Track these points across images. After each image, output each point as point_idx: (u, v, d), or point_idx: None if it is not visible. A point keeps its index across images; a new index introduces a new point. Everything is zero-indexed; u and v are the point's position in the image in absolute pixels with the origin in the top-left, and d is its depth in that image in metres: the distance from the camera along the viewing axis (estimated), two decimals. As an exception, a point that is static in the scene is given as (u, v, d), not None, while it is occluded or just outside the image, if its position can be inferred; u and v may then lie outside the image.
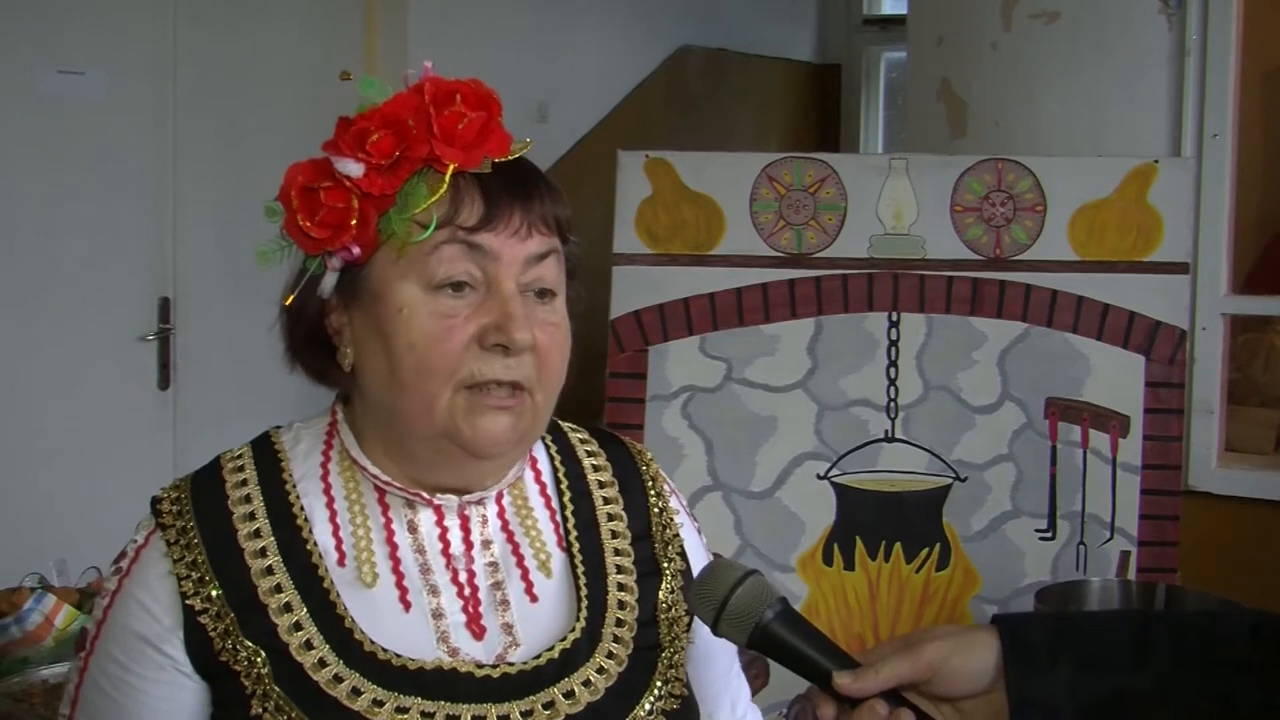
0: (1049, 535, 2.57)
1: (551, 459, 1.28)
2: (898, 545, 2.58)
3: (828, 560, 2.58)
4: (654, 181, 2.64)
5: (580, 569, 1.21)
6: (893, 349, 2.60)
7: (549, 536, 1.22)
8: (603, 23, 4.99)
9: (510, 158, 1.15)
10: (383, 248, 1.13)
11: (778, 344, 2.61)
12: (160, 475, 3.90)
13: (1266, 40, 3.51)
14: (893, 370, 2.60)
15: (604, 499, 1.26)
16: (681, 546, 1.27)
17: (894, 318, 2.60)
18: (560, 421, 1.32)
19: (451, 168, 1.11)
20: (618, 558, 1.23)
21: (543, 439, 1.28)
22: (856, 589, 2.57)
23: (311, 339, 1.18)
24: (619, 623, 1.19)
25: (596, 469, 1.29)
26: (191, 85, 3.57)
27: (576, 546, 1.22)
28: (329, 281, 1.15)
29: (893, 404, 2.60)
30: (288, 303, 1.17)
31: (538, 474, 1.26)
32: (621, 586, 1.21)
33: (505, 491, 1.22)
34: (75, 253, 3.39)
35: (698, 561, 1.29)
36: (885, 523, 2.58)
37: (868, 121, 6.37)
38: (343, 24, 3.97)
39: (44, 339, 3.35)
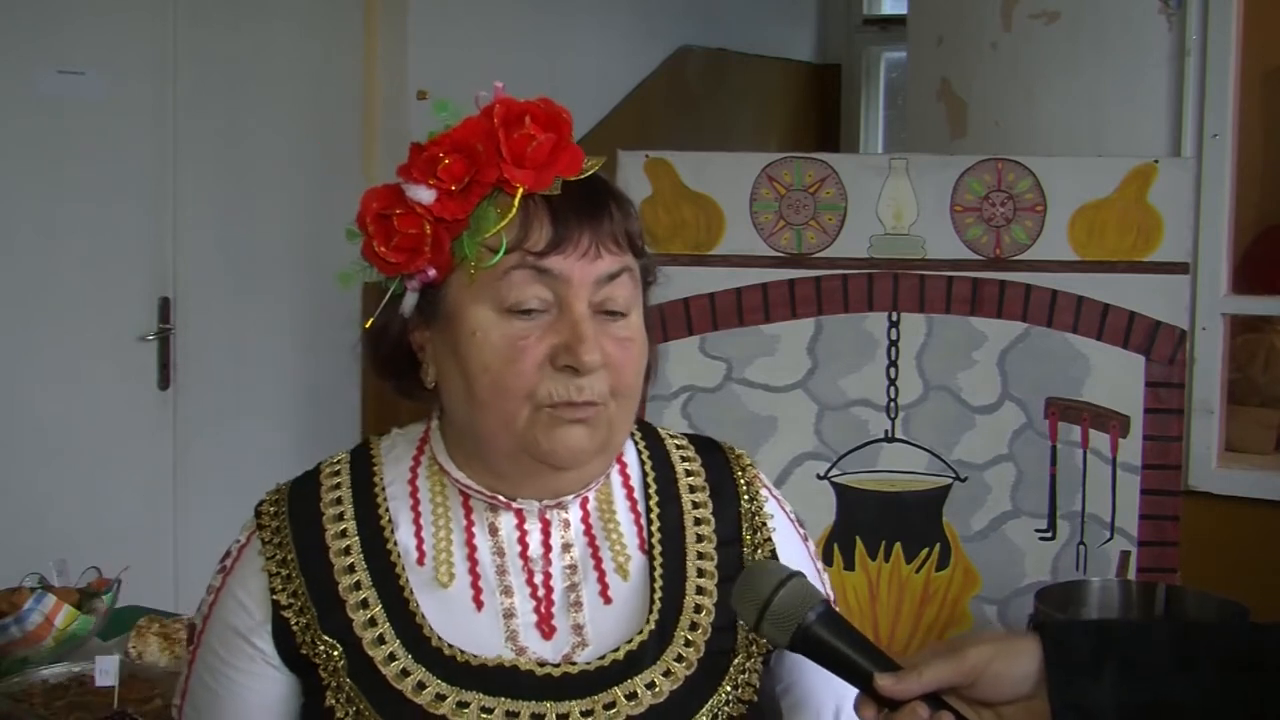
0: (1049, 535, 2.57)
1: (642, 464, 1.28)
2: (898, 545, 2.58)
3: (828, 560, 2.58)
4: (654, 181, 2.64)
5: (658, 572, 1.21)
6: (893, 349, 2.60)
7: (630, 540, 1.23)
8: (603, 23, 4.99)
9: (581, 176, 1.16)
10: (457, 270, 1.14)
11: (778, 344, 2.61)
12: (160, 475, 3.93)
13: (1266, 40, 3.51)
14: (893, 370, 2.60)
15: (693, 503, 1.27)
16: (773, 550, 1.27)
17: (894, 318, 2.60)
18: (660, 428, 1.33)
19: (520, 191, 1.12)
20: (700, 561, 1.23)
21: (635, 444, 1.29)
22: (856, 589, 2.57)
23: (394, 358, 1.21)
24: (693, 626, 1.19)
25: (690, 474, 1.29)
26: (191, 85, 3.57)
27: (658, 550, 1.22)
28: (409, 301, 1.17)
29: (893, 404, 2.60)
30: (368, 325, 1.19)
31: (626, 478, 1.26)
32: (700, 590, 1.21)
33: (590, 496, 1.23)
34: (75, 253, 3.38)
35: (795, 566, 1.27)
36: (885, 523, 2.58)
37: (868, 121, 6.36)
38: (343, 24, 3.97)
39: (44, 339, 3.35)
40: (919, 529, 2.58)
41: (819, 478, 2.59)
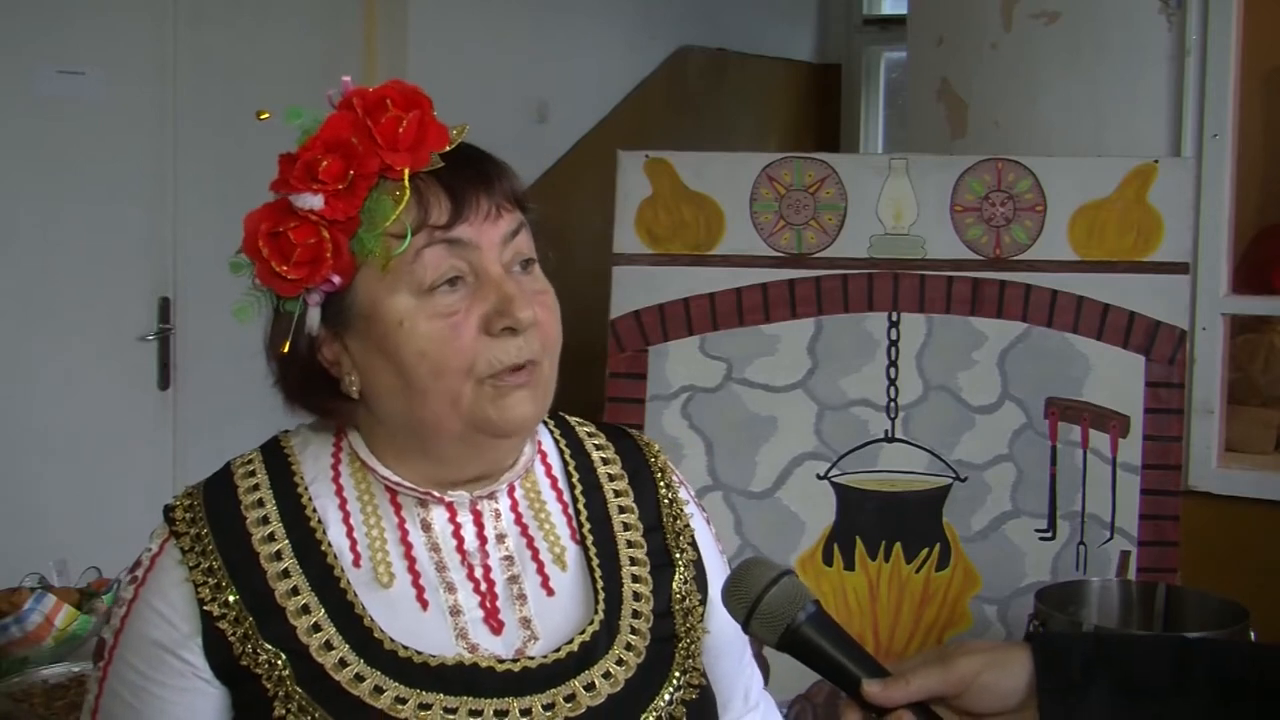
0: (1049, 535, 2.57)
1: (561, 453, 1.29)
2: (898, 545, 2.58)
3: (828, 560, 2.58)
4: (654, 181, 2.64)
5: (595, 562, 1.22)
6: (893, 349, 2.60)
7: (562, 530, 1.23)
8: (603, 23, 4.99)
9: (453, 146, 1.16)
10: (362, 269, 1.13)
11: (778, 344, 2.61)
12: (160, 475, 3.91)
13: (1266, 40, 3.51)
14: (893, 370, 2.60)
15: (615, 491, 1.28)
16: (692, 537, 1.29)
17: (894, 318, 2.60)
18: (567, 416, 1.33)
19: (406, 172, 1.12)
20: (631, 549, 1.24)
21: (551, 433, 1.30)
22: (856, 589, 2.57)
23: (307, 379, 1.18)
24: (635, 614, 1.20)
25: (606, 462, 1.30)
26: (191, 85, 3.57)
27: (590, 539, 1.23)
28: (313, 317, 1.15)
29: (893, 404, 2.60)
30: (285, 350, 1.16)
31: (548, 468, 1.27)
32: (636, 578, 1.23)
33: (517, 485, 1.23)
34: (75, 253, 3.38)
35: (708, 552, 1.31)
36: (885, 523, 2.58)
37: (868, 121, 6.37)
38: (343, 24, 3.97)
39: (44, 339, 3.35)
40: (919, 529, 2.58)
41: (819, 478, 2.59)
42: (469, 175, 1.15)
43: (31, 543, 2.76)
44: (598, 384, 2.61)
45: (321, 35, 3.90)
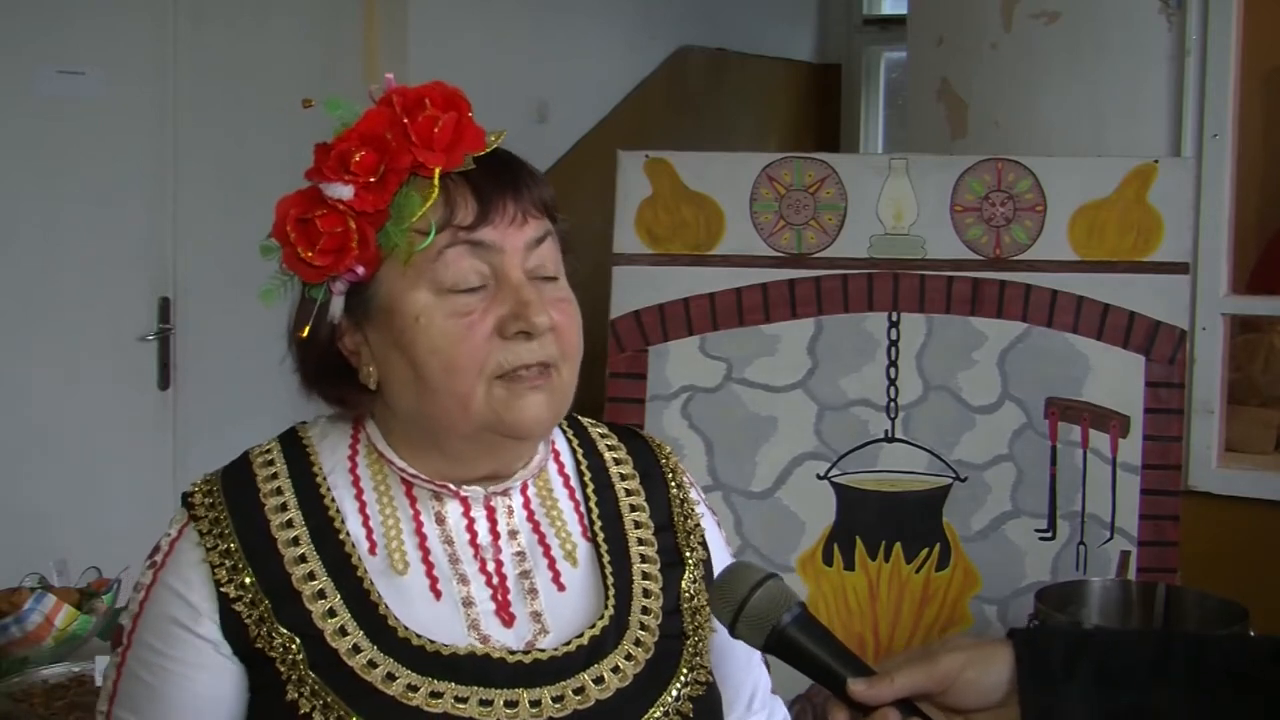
0: (1049, 535, 2.57)
1: (574, 452, 1.30)
2: (898, 545, 2.58)
3: (828, 560, 2.58)
4: (654, 181, 2.64)
5: (606, 559, 1.24)
6: (893, 349, 2.60)
7: (574, 527, 1.25)
8: (603, 23, 4.99)
9: (488, 150, 1.17)
10: (386, 262, 1.15)
11: (778, 344, 2.61)
12: (160, 475, 3.91)
13: (1266, 40, 3.51)
14: (893, 370, 2.60)
15: (626, 490, 1.29)
16: (703, 536, 1.31)
17: (894, 318, 2.60)
18: (580, 417, 1.35)
19: (438, 171, 1.13)
20: (641, 548, 1.26)
21: (564, 433, 1.32)
22: (856, 589, 2.57)
23: (325, 366, 1.20)
24: (645, 611, 1.22)
25: (618, 462, 1.32)
26: (191, 85, 3.57)
27: (601, 537, 1.25)
28: (337, 305, 1.17)
29: (893, 404, 2.60)
30: (304, 335, 1.18)
31: (560, 466, 1.29)
32: (646, 576, 1.24)
33: (530, 483, 1.25)
34: (75, 253, 3.39)
35: (718, 552, 1.32)
36: (885, 523, 2.58)
37: (868, 121, 6.37)
38: (343, 24, 3.97)
39: (44, 339, 3.35)
40: (919, 529, 2.58)
41: (819, 478, 2.59)
42: (499, 180, 1.16)
43: (31, 543, 2.76)
44: (598, 384, 2.61)
45: (321, 35, 3.90)
